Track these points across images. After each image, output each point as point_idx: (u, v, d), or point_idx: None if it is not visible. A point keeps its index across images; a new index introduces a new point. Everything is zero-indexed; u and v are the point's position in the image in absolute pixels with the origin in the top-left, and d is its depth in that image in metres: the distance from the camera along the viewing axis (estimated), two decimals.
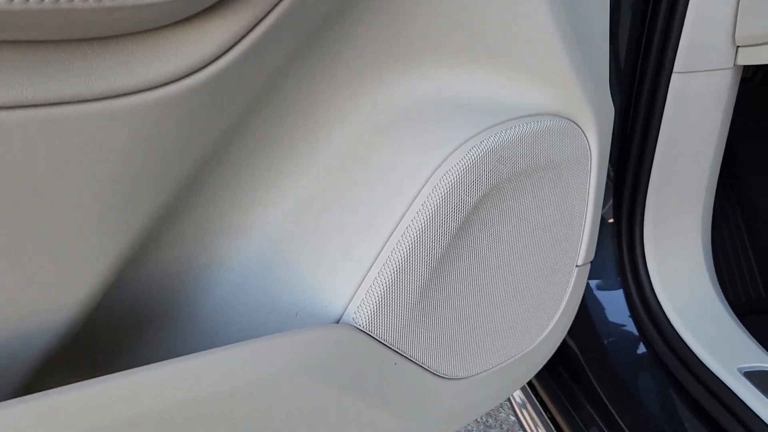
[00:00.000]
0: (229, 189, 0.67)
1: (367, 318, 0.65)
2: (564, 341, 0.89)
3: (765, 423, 0.88)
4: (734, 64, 0.97)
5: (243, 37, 0.49)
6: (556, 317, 0.84)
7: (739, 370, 0.96)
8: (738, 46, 0.96)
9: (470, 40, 0.68)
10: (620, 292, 1.08)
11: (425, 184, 0.65)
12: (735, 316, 1.08)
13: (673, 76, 0.97)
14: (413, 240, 0.65)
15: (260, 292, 0.70)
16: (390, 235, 0.65)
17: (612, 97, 0.83)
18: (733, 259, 1.28)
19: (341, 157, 0.70)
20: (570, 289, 0.84)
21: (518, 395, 1.19)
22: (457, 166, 0.65)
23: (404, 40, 0.68)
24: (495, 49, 0.68)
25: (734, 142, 1.07)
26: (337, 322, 0.65)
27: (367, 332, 0.65)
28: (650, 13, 0.95)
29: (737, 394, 0.92)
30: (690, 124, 1.01)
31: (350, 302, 0.65)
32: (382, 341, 0.67)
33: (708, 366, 0.96)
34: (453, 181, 0.65)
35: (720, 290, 1.10)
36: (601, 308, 1.07)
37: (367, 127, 0.70)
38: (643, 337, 1.05)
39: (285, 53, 0.57)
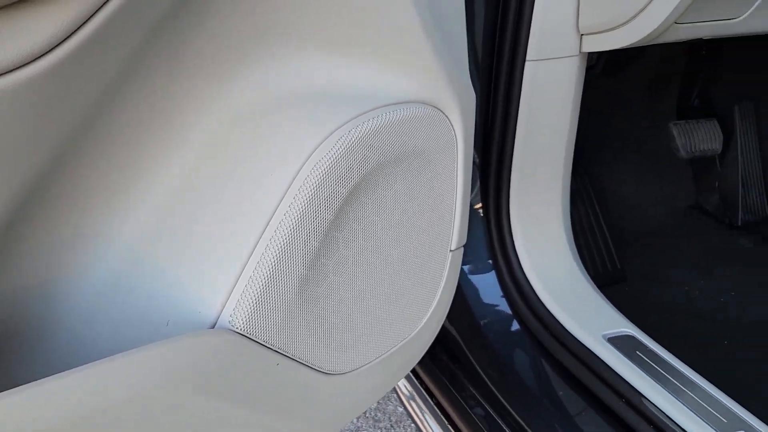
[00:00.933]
0: (83, 193, 0.61)
1: (244, 320, 0.62)
2: (443, 326, 0.91)
3: (628, 383, 0.95)
4: (580, 52, 1.04)
5: (83, 24, 0.45)
6: (434, 303, 0.85)
7: (604, 336, 1.03)
8: (582, 35, 1.03)
9: (336, 29, 0.67)
10: (492, 274, 1.12)
11: (295, 177, 0.63)
12: (596, 287, 1.15)
13: (527, 64, 1.02)
14: (287, 236, 0.63)
15: (126, 303, 0.65)
16: (262, 233, 0.63)
17: (475, 85, 0.85)
18: (590, 235, 1.37)
19: (205, 153, 0.67)
20: (446, 274, 0.85)
21: (403, 385, 1.20)
22: (327, 156, 0.63)
23: (270, 29, 0.66)
24: (361, 39, 0.68)
25: (582, 126, 1.14)
26: (213, 327, 0.62)
27: (245, 335, 0.63)
28: (502, 5, 1.00)
29: (603, 359, 0.99)
30: (544, 109, 1.06)
31: (225, 305, 0.62)
32: (262, 343, 0.64)
33: (576, 336, 1.03)
34: (324, 172, 0.63)
35: (582, 265, 1.18)
36: (476, 290, 1.11)
37: (232, 119, 0.67)
38: (516, 314, 1.10)
39: (135, 41, 0.53)
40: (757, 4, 1.00)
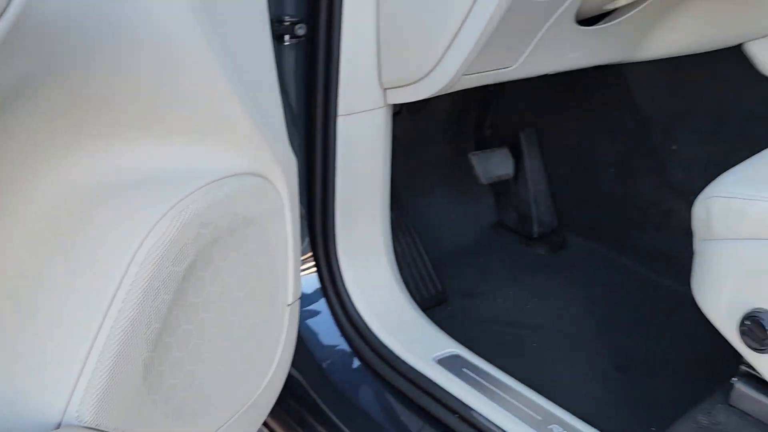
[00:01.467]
0: None
1: (92, 413, 0.62)
2: (289, 374, 0.95)
3: (458, 399, 1.06)
4: (385, 104, 1.15)
5: None
6: (277, 357, 0.89)
7: (434, 359, 1.14)
8: (385, 89, 1.14)
9: (156, 113, 0.69)
10: (329, 316, 1.18)
11: (131, 263, 0.64)
12: (423, 312, 1.27)
13: (339, 119, 1.10)
14: (128, 322, 0.64)
15: None
16: (102, 323, 0.63)
17: (294, 143, 0.91)
18: (412, 263, 1.49)
19: (33, 244, 0.65)
20: (285, 328, 0.90)
21: None
22: (161, 239, 0.65)
23: (90, 115, 0.66)
24: (182, 120, 0.71)
25: (395, 164, 1.25)
26: (59, 425, 0.61)
27: (94, 427, 0.62)
28: (311, 68, 1.07)
29: (435, 381, 1.09)
30: (359, 157, 1.16)
31: (70, 401, 0.62)
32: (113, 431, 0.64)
33: (410, 363, 1.12)
34: (160, 254, 0.65)
35: (407, 293, 1.29)
36: (315, 334, 1.17)
37: (60, 207, 0.66)
38: (355, 350, 1.17)
39: None
40: (524, 57, 1.17)
